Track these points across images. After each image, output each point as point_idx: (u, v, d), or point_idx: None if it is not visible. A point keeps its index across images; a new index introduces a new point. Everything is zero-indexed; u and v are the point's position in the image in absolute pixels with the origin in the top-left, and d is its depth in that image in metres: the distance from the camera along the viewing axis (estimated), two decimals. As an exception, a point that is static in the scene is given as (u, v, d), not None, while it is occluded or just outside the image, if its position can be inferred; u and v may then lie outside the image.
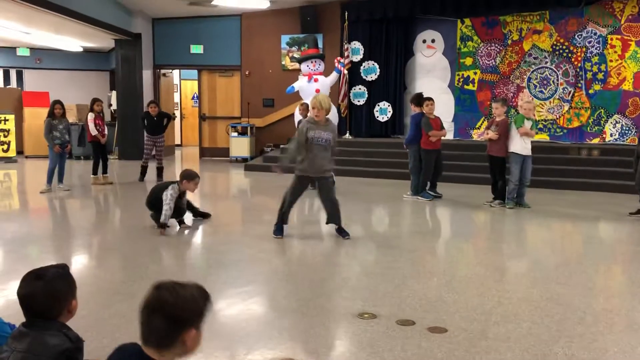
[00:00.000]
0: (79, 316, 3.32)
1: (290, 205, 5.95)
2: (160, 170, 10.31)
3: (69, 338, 1.90)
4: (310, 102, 6.02)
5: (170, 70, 15.78)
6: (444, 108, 11.60)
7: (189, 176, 6.25)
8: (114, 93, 15.20)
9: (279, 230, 5.92)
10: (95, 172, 9.82)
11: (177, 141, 17.56)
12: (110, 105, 15.61)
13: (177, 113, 17.63)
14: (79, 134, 12.77)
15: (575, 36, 11.09)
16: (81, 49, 16.16)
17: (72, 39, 14.59)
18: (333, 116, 11.13)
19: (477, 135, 11.86)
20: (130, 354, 1.71)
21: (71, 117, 14.24)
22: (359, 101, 12.84)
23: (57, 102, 9.04)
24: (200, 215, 6.81)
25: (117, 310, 3.75)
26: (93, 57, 17.05)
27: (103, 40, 14.30)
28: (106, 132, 9.85)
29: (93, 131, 9.51)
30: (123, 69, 14.11)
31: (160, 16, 14.53)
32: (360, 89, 12.82)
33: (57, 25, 12.12)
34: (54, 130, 8.88)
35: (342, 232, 5.89)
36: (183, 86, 18.35)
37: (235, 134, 13.86)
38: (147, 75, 14.44)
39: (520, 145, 7.63)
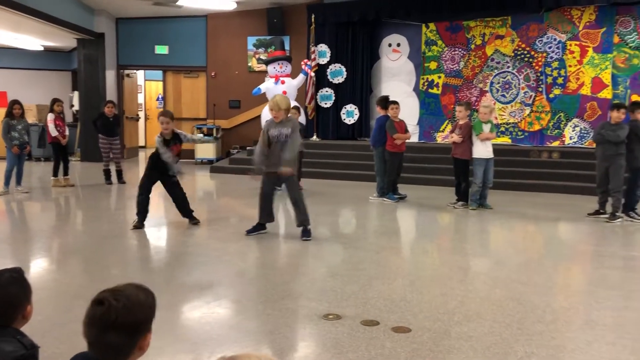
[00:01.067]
0: (35, 321, 3.24)
1: (267, 205, 6.02)
2: (119, 173, 10.11)
3: (23, 344, 1.84)
4: (268, 104, 6.08)
5: (134, 71, 15.53)
6: (409, 111, 11.73)
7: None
8: (76, 93, 14.88)
9: (251, 229, 6.06)
10: (55, 174, 9.59)
11: (142, 143, 17.29)
12: (72, 106, 15.26)
13: (142, 114, 17.38)
14: (39, 134, 12.48)
15: (536, 42, 11.35)
16: (42, 48, 15.78)
17: (32, 38, 14.23)
18: (301, 119, 11.17)
19: (441, 138, 12.02)
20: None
21: (31, 118, 13.90)
22: (326, 104, 12.88)
23: (16, 102, 8.81)
24: (188, 216, 6.64)
25: (76, 315, 3.64)
26: (54, 57, 16.65)
27: (65, 40, 13.99)
28: (67, 133, 9.64)
29: (53, 132, 9.29)
30: (85, 69, 13.83)
31: (124, 16, 14.30)
32: (327, 91, 12.85)
33: (15, 23, 11.80)
34: (12, 131, 8.65)
35: (303, 233, 5.89)
36: (147, 87, 18.10)
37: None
38: (110, 75, 14.18)
39: (482, 149, 7.77)
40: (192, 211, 6.64)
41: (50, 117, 9.33)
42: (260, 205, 6.08)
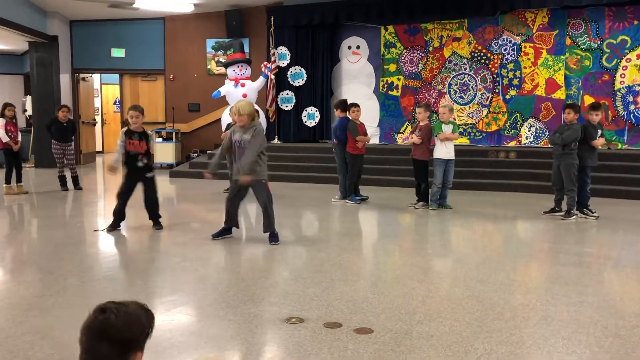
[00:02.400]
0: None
1: (232, 209, 6.03)
2: (75, 179, 9.85)
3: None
4: (230, 109, 6.08)
5: (90, 75, 15.19)
6: (370, 113, 11.83)
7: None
8: (28, 98, 14.45)
9: (216, 234, 6.08)
10: (8, 181, 9.28)
11: (99, 148, 16.93)
12: (25, 110, 14.82)
13: (98, 119, 17.01)
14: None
15: (492, 44, 11.60)
16: (-8, 51, 15.30)
17: (-19, 41, 13.77)
18: (261, 121, 11.12)
19: (401, 139, 12.16)
20: None
21: (-19, 123, 13.41)
22: (286, 106, 12.87)
23: (-37, 106, 8.50)
24: (153, 219, 6.60)
25: (31, 326, 3.55)
26: (5, 60, 16.15)
27: (16, 42, 13.58)
28: (19, 138, 9.34)
29: (4, 138, 8.99)
30: (38, 72, 13.44)
31: (79, 18, 13.97)
32: (287, 94, 12.85)
33: (-37, 26, 11.41)
34: (-39, 137, 8.35)
35: (270, 238, 5.88)
36: (104, 91, 17.73)
37: (160, 139, 13.52)
38: (64, 79, 13.83)
39: (442, 150, 7.88)
40: (160, 216, 6.63)
41: (1, 122, 9.03)
42: (225, 209, 6.07)
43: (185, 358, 3.12)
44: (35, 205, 8.71)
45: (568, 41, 11.09)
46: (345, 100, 8.86)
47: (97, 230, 6.53)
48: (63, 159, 9.71)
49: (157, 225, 6.58)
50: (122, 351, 1.57)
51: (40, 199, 9.18)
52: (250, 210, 7.79)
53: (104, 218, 7.99)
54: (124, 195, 6.46)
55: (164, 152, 13.47)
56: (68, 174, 9.80)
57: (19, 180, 9.35)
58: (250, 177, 5.69)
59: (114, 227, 6.46)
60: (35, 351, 3.16)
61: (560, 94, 11.16)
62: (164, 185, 11.18)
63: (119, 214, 6.48)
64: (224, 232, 6.09)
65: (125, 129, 6.43)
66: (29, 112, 14.37)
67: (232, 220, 6.09)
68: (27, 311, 3.85)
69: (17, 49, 14.85)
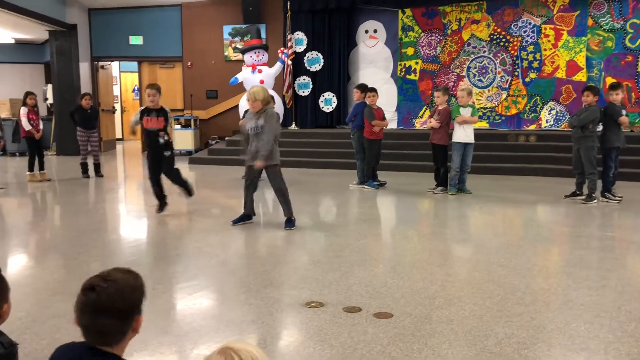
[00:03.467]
0: (15, 318, 3.20)
1: (248, 195, 6.07)
2: (97, 166, 10.00)
3: (1, 343, 1.81)
4: (246, 95, 6.09)
5: (109, 62, 15.29)
6: (387, 98, 11.76)
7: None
8: (49, 86, 14.61)
9: (237, 219, 6.11)
10: (31, 169, 9.44)
11: (118, 135, 17.09)
12: (46, 99, 14.99)
13: (117, 106, 17.14)
14: (13, 129, 12.22)
15: (512, 26, 11.43)
16: (13, 41, 15.44)
17: (1, 30, 13.90)
18: (278, 107, 11.12)
19: (419, 124, 12.08)
20: (74, 348, 1.65)
21: (4, 112, 13.64)
22: (303, 92, 12.84)
23: (-14, 96, 8.62)
24: (182, 185, 6.75)
25: (56, 311, 3.62)
26: (26, 49, 16.31)
27: (36, 32, 13.70)
28: (41, 126, 9.47)
29: (26, 126, 9.12)
30: (58, 61, 13.57)
31: (97, 6, 14.04)
32: (304, 79, 12.81)
33: (-17, 16, 11.54)
34: (-15, 126, 8.49)
35: (286, 223, 5.91)
36: (123, 78, 17.85)
37: (179, 126, 13.60)
38: (84, 67, 13.95)
39: (461, 134, 7.81)
40: (186, 183, 6.80)
41: (23, 110, 9.16)
42: (244, 196, 6.11)
43: (206, 341, 3.16)
44: (58, 192, 8.84)
45: (590, 22, 10.88)
46: (366, 85, 8.82)
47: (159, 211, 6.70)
48: (87, 145, 9.85)
49: (187, 192, 6.78)
50: (123, 319, 1.59)
51: (63, 186, 9.32)
52: (268, 196, 7.82)
53: (126, 204, 8.10)
54: (152, 178, 6.58)
55: (182, 139, 13.56)
56: (90, 161, 9.93)
57: (41, 168, 9.49)
58: (262, 162, 5.72)
59: (161, 208, 6.65)
60: (62, 334, 3.23)
61: (581, 76, 10.97)
62: (183, 171, 11.24)
63: (159, 197, 6.63)
64: (244, 218, 6.13)
65: (141, 108, 6.51)
66: (50, 100, 14.54)
67: (249, 208, 6.12)
68: (52, 296, 3.93)
69: (38, 38, 14.98)
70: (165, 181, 6.71)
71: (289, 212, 5.93)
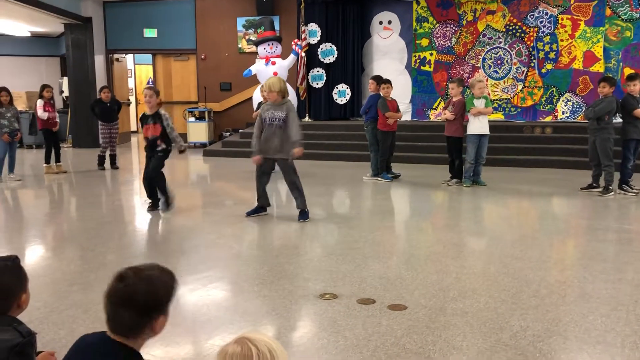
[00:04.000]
0: (33, 308, 3.25)
1: (261, 187, 6.06)
2: (113, 158, 10.11)
3: (20, 332, 1.84)
4: (261, 86, 6.07)
5: (124, 55, 15.37)
6: (402, 89, 11.70)
7: None
8: (65, 79, 14.73)
9: (251, 211, 6.12)
10: (47, 161, 9.54)
11: (133, 128, 17.19)
12: (61, 92, 15.12)
13: (132, 99, 17.24)
14: (29, 122, 12.36)
15: (528, 16, 11.30)
16: (29, 34, 15.56)
17: (18, 23, 14.02)
18: (292, 99, 11.11)
19: (434, 115, 12.00)
20: (93, 340, 1.67)
21: (21, 105, 13.75)
22: (317, 84, 12.81)
23: (3, 89, 8.70)
24: (151, 197, 6.47)
25: (73, 301, 3.66)
26: (42, 42, 16.44)
27: (51, 25, 13.79)
28: (57, 119, 9.55)
29: (43, 115, 9.21)
30: (74, 54, 13.67)
31: (111, -1, 14.11)
32: (318, 71, 12.78)
33: None
34: (1, 119, 8.57)
35: (300, 215, 5.91)
36: (137, 71, 17.93)
37: (193, 119, 13.65)
38: (99, 60, 14.03)
39: (476, 125, 7.75)
40: (159, 200, 6.41)
41: (40, 103, 9.25)
42: (257, 188, 6.11)
43: (221, 332, 3.18)
44: (74, 184, 8.93)
45: (608, 12, 10.72)
46: (381, 76, 8.79)
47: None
48: (109, 138, 9.95)
49: (153, 206, 6.43)
50: (146, 315, 1.61)
51: (79, 178, 9.41)
52: (281, 189, 7.83)
53: (140, 196, 8.16)
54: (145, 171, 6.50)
55: (197, 131, 13.61)
56: (107, 153, 10.04)
57: (57, 160, 9.59)
58: (301, 149, 5.75)
59: (167, 206, 6.44)
60: (79, 324, 3.27)
61: (598, 67, 10.83)
62: (198, 164, 11.34)
63: (163, 195, 6.47)
64: (259, 210, 6.15)
65: (141, 114, 6.37)
66: (66, 93, 14.66)
67: (263, 199, 6.13)
68: (69, 286, 3.97)
69: (53, 31, 15.09)
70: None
71: (303, 204, 5.94)
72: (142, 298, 1.59)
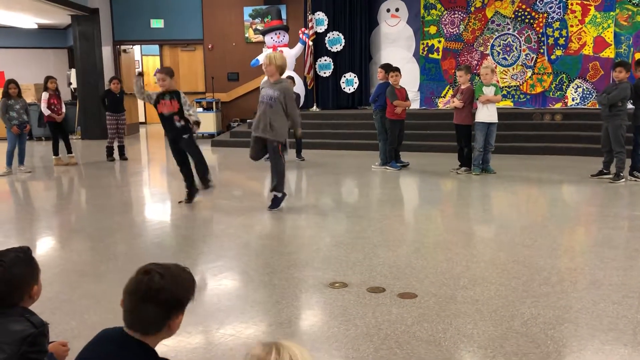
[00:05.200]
0: (45, 298, 3.27)
1: (272, 168, 5.90)
2: (122, 149, 10.14)
3: (32, 323, 1.85)
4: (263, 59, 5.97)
5: (131, 46, 15.37)
6: (410, 77, 11.62)
7: None
8: (73, 71, 14.76)
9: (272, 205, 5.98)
10: (56, 153, 9.58)
11: (142, 119, 17.22)
12: (70, 83, 15.16)
13: (140, 90, 17.23)
14: (38, 114, 12.41)
15: (537, 2, 11.17)
16: (36, 26, 15.59)
17: (25, 15, 14.04)
18: (299, 88, 11.08)
19: (442, 103, 11.93)
20: (112, 334, 1.68)
21: (29, 97, 13.79)
22: (325, 73, 12.76)
23: (11, 81, 8.73)
24: (201, 179, 6.34)
25: (84, 292, 3.69)
26: (49, 34, 16.46)
27: (58, 16, 13.81)
28: (64, 109, 9.53)
29: (45, 111, 9.21)
30: (81, 45, 13.68)
31: (118, -10, 14.09)
32: (325, 60, 12.72)
33: (6, 1, 11.63)
34: (10, 111, 8.62)
35: (272, 202, 5.84)
36: (145, 62, 17.93)
37: (200, 109, 13.64)
38: (106, 51, 14.05)
39: (484, 113, 7.70)
40: (208, 177, 6.32)
41: (45, 96, 9.24)
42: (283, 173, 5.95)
43: (232, 322, 3.19)
44: (84, 175, 8.97)
45: (619, -4, 10.58)
46: (390, 64, 8.73)
47: (181, 202, 6.43)
48: (116, 129, 9.98)
49: (207, 184, 6.30)
50: (165, 312, 1.62)
51: (88, 169, 9.45)
52: (290, 179, 7.84)
53: (150, 187, 8.18)
54: (180, 165, 6.36)
55: (205, 121, 13.47)
56: (115, 144, 10.07)
57: (69, 151, 9.59)
58: (300, 131, 5.75)
59: (190, 198, 6.37)
60: (91, 314, 3.29)
61: (609, 53, 10.71)
62: (206, 154, 11.28)
63: (188, 179, 6.37)
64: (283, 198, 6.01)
65: (158, 92, 6.19)
66: (74, 85, 14.69)
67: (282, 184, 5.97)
68: (80, 277, 4.00)
69: (61, 22, 15.10)
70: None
71: (279, 188, 5.82)
72: (168, 295, 1.60)
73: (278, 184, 5.85)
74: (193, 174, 6.36)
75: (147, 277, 1.61)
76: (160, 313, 1.61)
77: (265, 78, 5.88)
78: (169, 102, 6.08)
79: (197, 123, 6.34)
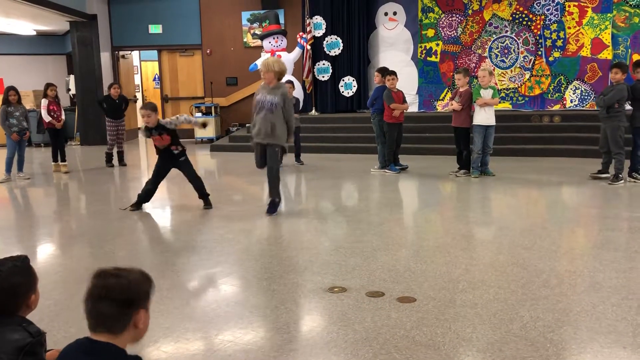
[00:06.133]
0: (43, 306, 3.27)
1: (269, 178, 5.92)
2: (121, 155, 10.13)
3: (29, 332, 1.85)
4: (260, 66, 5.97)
5: (129, 52, 15.39)
6: (408, 81, 11.64)
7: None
8: (72, 77, 14.77)
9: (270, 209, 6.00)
10: (55, 159, 9.57)
11: (140, 124, 17.22)
12: (68, 90, 15.17)
13: (139, 95, 17.27)
14: (37, 120, 12.42)
15: (534, 4, 11.19)
16: (34, 33, 15.60)
17: (23, 22, 14.05)
18: (298, 92, 11.10)
19: (441, 106, 11.94)
20: (77, 346, 1.68)
21: (28, 104, 13.80)
22: (323, 77, 12.77)
23: (11, 88, 8.74)
24: (202, 198, 6.37)
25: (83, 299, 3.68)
26: (48, 41, 16.47)
27: (57, 23, 13.82)
28: (63, 116, 9.54)
29: (46, 118, 9.21)
30: (80, 52, 13.69)
31: (116, -4, 14.12)
32: (324, 64, 12.73)
33: (4, 8, 11.65)
34: (10, 118, 8.62)
35: (269, 206, 5.83)
36: (143, 67, 17.93)
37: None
38: (105, 57, 14.06)
39: (482, 116, 7.71)
40: (208, 195, 6.39)
41: (44, 102, 9.25)
42: (268, 182, 5.99)
43: (231, 327, 3.19)
44: (83, 181, 8.97)
45: (616, -3, 10.60)
46: (386, 68, 8.74)
47: (124, 209, 6.42)
48: (115, 135, 9.98)
49: (207, 204, 6.35)
50: (123, 309, 1.63)
51: (87, 175, 9.45)
52: (289, 183, 7.84)
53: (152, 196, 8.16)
54: (153, 182, 6.35)
55: (203, 126, 13.58)
56: (115, 150, 10.06)
57: (62, 159, 9.55)
58: (291, 138, 5.74)
59: (136, 207, 6.34)
60: (89, 322, 3.28)
61: (607, 54, 10.72)
62: (205, 159, 11.35)
63: (143, 197, 6.36)
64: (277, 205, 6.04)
65: (143, 126, 6.16)
66: (73, 91, 14.70)
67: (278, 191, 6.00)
68: (80, 284, 3.97)
69: (59, 29, 15.12)
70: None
71: (276, 194, 5.82)
72: (120, 290, 1.62)
73: (275, 190, 5.84)
74: (152, 196, 6.39)
75: (100, 278, 1.65)
76: (118, 309, 1.62)
77: (263, 82, 5.86)
78: (159, 137, 6.05)
79: (204, 124, 6.37)
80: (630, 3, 10.52)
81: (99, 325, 1.63)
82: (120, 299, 1.62)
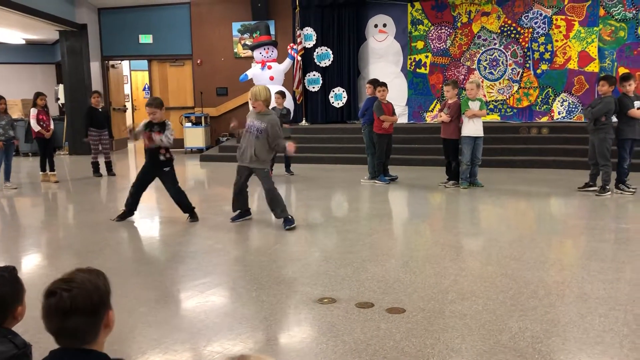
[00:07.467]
0: (30, 317, 3.22)
1: (236, 194, 6.06)
2: (109, 165, 10.06)
3: (15, 344, 1.82)
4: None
5: (119, 61, 15.37)
6: (398, 92, 11.72)
7: None
8: (61, 86, 14.71)
9: (235, 217, 6.17)
10: (43, 169, 9.51)
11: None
12: (57, 99, 15.10)
13: (129, 105, 17.23)
14: (25, 129, 12.34)
15: (522, 17, 11.33)
16: (23, 42, 15.55)
17: (12, 31, 14.01)
18: (289, 103, 11.13)
19: (430, 118, 12.02)
20: (55, 354, 1.63)
21: (16, 113, 13.75)
22: (313, 87, 12.81)
23: (-1, 97, 8.70)
24: (187, 212, 6.34)
25: (71, 309, 3.64)
26: (37, 50, 16.43)
27: (46, 32, 13.80)
28: (52, 126, 9.49)
29: (35, 127, 9.17)
30: (69, 61, 13.65)
31: (106, 6, 14.11)
32: (314, 75, 12.79)
33: (-6, 17, 11.63)
34: (-3, 127, 8.57)
35: (284, 222, 5.84)
36: (133, 77, 17.94)
37: (189, 124, 13.64)
38: (95, 67, 14.03)
39: (470, 127, 7.77)
40: (193, 208, 6.36)
41: (33, 112, 9.21)
42: (233, 196, 6.11)
43: (220, 339, 3.17)
44: (71, 191, 8.90)
45: (602, 12, 10.76)
46: (377, 79, 8.80)
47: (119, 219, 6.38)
48: (98, 145, 9.91)
49: (192, 217, 6.30)
50: (91, 317, 1.57)
51: (76, 185, 9.38)
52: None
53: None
54: (137, 185, 6.31)
55: (193, 136, 13.59)
56: (101, 160, 10.00)
57: (51, 169, 9.49)
58: (294, 147, 5.77)
59: (122, 217, 6.34)
60: (76, 333, 3.25)
61: (593, 67, 10.86)
62: (195, 169, 11.32)
63: (130, 205, 6.33)
64: (244, 215, 6.17)
65: (147, 120, 6.19)
66: (62, 100, 14.64)
67: (237, 206, 6.13)
68: (66, 295, 3.95)
69: (48, 38, 15.09)
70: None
71: (283, 213, 5.84)
72: (81, 302, 1.55)
73: (280, 209, 5.83)
74: (134, 208, 6.38)
75: (55, 297, 1.56)
76: (88, 320, 1.57)
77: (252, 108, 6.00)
78: (158, 133, 6.05)
79: (167, 147, 6.17)
80: (616, 17, 10.67)
81: (74, 340, 1.57)
82: (88, 309, 1.56)
